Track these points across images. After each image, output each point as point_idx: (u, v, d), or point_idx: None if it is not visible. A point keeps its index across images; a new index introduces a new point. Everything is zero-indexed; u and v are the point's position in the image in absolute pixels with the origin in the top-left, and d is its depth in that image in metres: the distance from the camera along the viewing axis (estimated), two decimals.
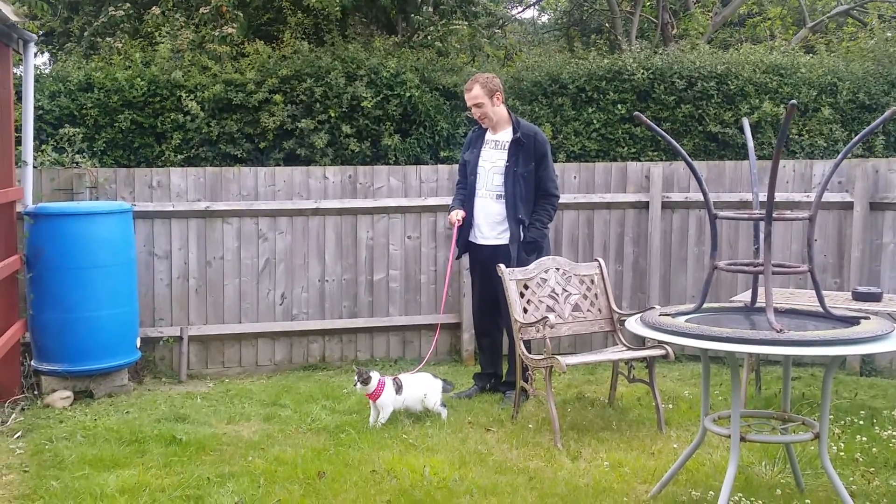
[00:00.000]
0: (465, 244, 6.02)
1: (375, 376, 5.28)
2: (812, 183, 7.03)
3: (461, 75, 8.09)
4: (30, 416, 5.57)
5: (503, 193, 5.80)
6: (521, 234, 5.79)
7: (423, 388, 5.44)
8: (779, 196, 4.08)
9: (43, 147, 6.71)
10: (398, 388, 5.33)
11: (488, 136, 5.93)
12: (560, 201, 6.40)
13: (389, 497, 4.18)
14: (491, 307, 6.01)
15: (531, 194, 5.82)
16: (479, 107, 5.83)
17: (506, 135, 5.85)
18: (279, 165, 7.28)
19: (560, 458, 4.76)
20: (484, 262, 5.89)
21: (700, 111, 7.99)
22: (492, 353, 6.19)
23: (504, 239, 5.82)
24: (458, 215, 5.92)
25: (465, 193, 5.99)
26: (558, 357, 5.10)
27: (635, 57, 8.37)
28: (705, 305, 4.12)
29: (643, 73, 8.02)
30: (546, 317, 5.28)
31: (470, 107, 5.92)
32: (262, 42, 8.32)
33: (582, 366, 6.55)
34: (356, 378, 5.29)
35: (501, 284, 5.54)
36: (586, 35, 13.12)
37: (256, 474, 4.47)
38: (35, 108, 6.36)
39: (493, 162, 5.85)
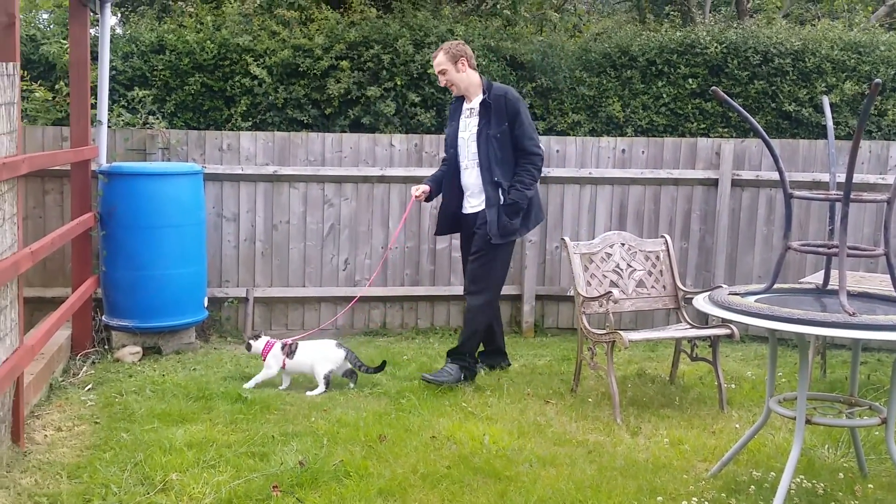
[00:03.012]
0: (451, 218, 5.83)
1: (262, 340, 5.55)
2: (888, 165, 6.84)
3: (528, 45, 8.00)
4: (100, 370, 5.75)
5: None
6: (501, 198, 5.55)
7: (315, 354, 5.50)
8: (854, 177, 3.98)
9: (114, 107, 6.84)
10: (289, 353, 5.48)
11: (465, 105, 5.74)
12: (627, 176, 6.27)
13: (449, 463, 4.22)
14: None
15: (508, 156, 5.56)
16: (443, 73, 5.63)
17: (478, 100, 5.64)
18: (345, 132, 7.32)
19: (619, 433, 4.76)
20: (468, 229, 5.74)
21: (774, 88, 7.79)
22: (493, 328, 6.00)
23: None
24: (417, 190, 5.82)
25: (444, 169, 5.85)
26: (621, 332, 5.07)
27: (709, 30, 8.18)
28: (775, 286, 4.06)
29: (717, 47, 7.83)
30: (610, 291, 5.24)
31: (437, 75, 5.75)
32: (331, 8, 8.32)
33: (643, 342, 6.51)
34: (245, 345, 5.70)
35: (480, 251, 5.50)
36: (658, 6, 12.85)
37: (319, 434, 4.55)
38: (109, 68, 6.47)
39: (469, 130, 5.65)
